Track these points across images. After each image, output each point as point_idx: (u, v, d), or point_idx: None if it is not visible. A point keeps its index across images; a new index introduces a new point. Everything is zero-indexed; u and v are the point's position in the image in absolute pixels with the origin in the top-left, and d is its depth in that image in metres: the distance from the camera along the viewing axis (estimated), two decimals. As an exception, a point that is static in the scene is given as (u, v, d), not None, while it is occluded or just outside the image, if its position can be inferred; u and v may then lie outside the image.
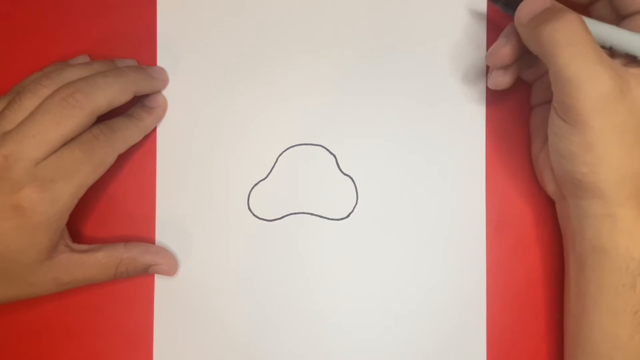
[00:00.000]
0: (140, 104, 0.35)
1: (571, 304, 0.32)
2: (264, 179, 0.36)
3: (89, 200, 0.35)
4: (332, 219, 0.36)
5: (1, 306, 0.34)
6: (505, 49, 0.31)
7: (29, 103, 0.30)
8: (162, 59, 0.36)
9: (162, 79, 0.36)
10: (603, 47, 0.28)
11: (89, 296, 0.36)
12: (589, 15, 0.30)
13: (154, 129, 0.36)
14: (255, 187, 0.36)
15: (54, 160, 0.29)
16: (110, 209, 0.36)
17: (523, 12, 0.29)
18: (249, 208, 0.36)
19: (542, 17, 0.28)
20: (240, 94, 0.36)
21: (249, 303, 0.36)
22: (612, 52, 0.29)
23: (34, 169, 0.28)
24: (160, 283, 0.36)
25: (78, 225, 0.36)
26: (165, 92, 0.36)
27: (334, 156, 0.36)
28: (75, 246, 0.33)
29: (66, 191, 0.29)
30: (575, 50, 0.26)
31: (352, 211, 0.36)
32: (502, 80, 0.32)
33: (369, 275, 0.36)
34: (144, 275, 0.35)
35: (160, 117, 0.36)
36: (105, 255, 0.33)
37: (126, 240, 0.35)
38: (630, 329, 0.29)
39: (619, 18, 0.30)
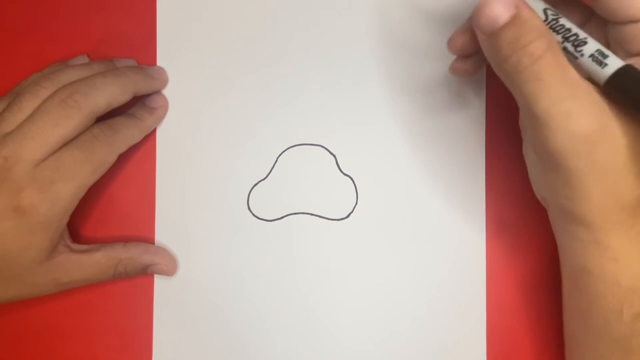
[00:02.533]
0: (141, 104, 0.35)
1: (566, 316, 0.32)
2: (264, 179, 0.36)
3: (89, 201, 0.35)
4: (332, 219, 0.36)
5: (1, 306, 0.34)
6: (461, 40, 0.28)
7: (28, 104, 0.30)
8: (162, 59, 0.36)
9: (162, 79, 0.36)
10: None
11: (89, 296, 0.36)
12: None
13: (154, 129, 0.36)
14: (255, 187, 0.36)
15: (53, 161, 0.29)
16: (109, 209, 0.36)
17: (481, 21, 0.24)
18: (249, 208, 0.36)
19: (503, 34, 0.24)
20: (240, 94, 0.36)
21: (248, 303, 0.36)
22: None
23: (34, 170, 0.28)
24: (159, 283, 0.36)
25: (78, 225, 0.36)
26: (165, 92, 0.36)
27: (334, 156, 0.36)
28: (75, 246, 0.33)
29: (66, 192, 0.29)
30: (543, 85, 0.23)
31: (352, 211, 0.36)
32: (461, 67, 0.30)
33: (369, 275, 0.36)
34: (143, 275, 0.35)
35: (161, 118, 0.36)
36: (104, 256, 0.33)
37: (126, 240, 0.35)
38: (619, 356, 0.28)
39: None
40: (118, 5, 0.36)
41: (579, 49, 0.24)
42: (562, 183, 0.25)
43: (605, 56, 0.23)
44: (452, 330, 0.35)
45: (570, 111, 0.23)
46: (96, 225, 0.36)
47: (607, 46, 0.25)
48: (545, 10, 0.25)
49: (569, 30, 0.24)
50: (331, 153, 0.36)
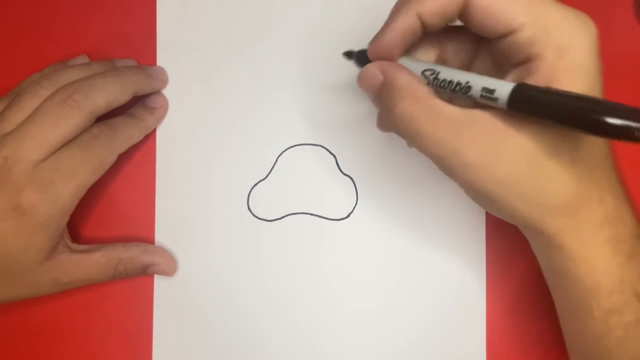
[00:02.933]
0: (142, 104, 0.35)
1: (560, 321, 0.31)
2: (264, 179, 0.36)
3: (89, 201, 0.35)
4: (332, 219, 0.36)
5: (1, 306, 0.34)
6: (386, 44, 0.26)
7: (28, 104, 0.30)
8: (162, 59, 0.36)
9: (162, 79, 0.36)
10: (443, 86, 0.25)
11: (89, 296, 0.36)
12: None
13: (154, 129, 0.36)
14: (255, 187, 0.36)
15: (53, 161, 0.29)
16: (109, 209, 0.36)
17: (363, 87, 0.27)
18: (249, 208, 0.36)
19: (379, 101, 0.26)
20: (240, 94, 0.36)
21: (248, 303, 0.36)
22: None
23: (34, 170, 0.28)
24: (159, 283, 0.36)
25: (78, 225, 0.36)
26: (165, 92, 0.36)
27: (334, 156, 0.36)
28: (75, 246, 0.33)
29: (66, 192, 0.29)
30: (424, 137, 0.24)
31: (352, 211, 0.36)
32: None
33: (369, 275, 0.36)
34: (143, 275, 0.35)
35: (161, 118, 0.36)
36: (104, 256, 0.33)
37: (126, 240, 0.35)
38: (601, 354, 0.27)
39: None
40: (118, 5, 0.36)
41: (468, 94, 0.24)
42: (489, 205, 0.26)
43: (491, 91, 0.23)
44: (452, 330, 0.35)
45: (455, 149, 0.24)
46: (96, 225, 0.36)
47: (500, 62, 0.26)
48: (423, 72, 0.25)
49: (450, 82, 0.24)
50: (331, 153, 0.36)
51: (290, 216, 0.36)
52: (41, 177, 0.29)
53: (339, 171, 0.36)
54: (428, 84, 0.25)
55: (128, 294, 0.36)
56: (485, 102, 0.23)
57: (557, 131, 0.23)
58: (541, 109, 0.21)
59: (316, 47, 0.36)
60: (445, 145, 0.24)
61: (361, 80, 0.27)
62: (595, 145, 0.25)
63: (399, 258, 0.35)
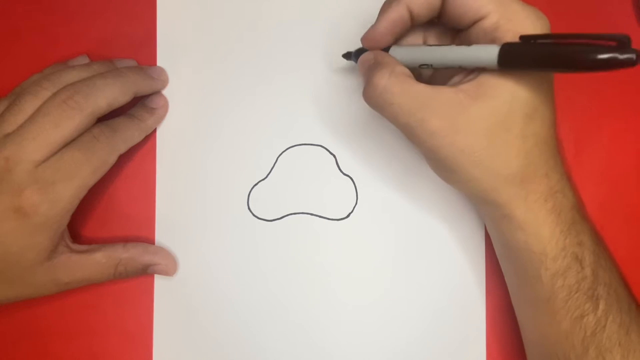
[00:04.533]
0: (142, 104, 0.35)
1: (510, 295, 0.33)
2: (264, 179, 0.36)
3: (89, 201, 0.35)
4: (332, 219, 0.36)
5: (1, 306, 0.34)
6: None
7: (29, 105, 0.30)
8: (162, 59, 0.36)
9: (162, 79, 0.36)
10: (424, 66, 0.29)
11: (89, 296, 0.36)
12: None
13: (154, 129, 0.36)
14: (255, 187, 0.36)
15: (54, 162, 0.29)
16: (110, 210, 0.36)
17: (361, 70, 0.30)
18: (249, 208, 0.36)
19: (368, 74, 0.29)
20: (240, 94, 0.36)
21: (248, 303, 0.36)
22: (435, 70, 0.30)
23: (35, 171, 0.28)
24: (160, 283, 0.36)
25: (78, 225, 0.36)
26: (165, 92, 0.36)
27: (334, 156, 0.36)
28: (75, 246, 0.33)
29: (67, 193, 0.29)
30: (395, 107, 0.27)
31: (352, 211, 0.36)
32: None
33: (369, 275, 0.36)
34: (143, 275, 0.35)
35: (161, 118, 0.36)
36: (104, 256, 0.33)
37: (126, 240, 0.35)
38: (548, 317, 0.30)
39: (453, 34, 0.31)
40: (118, 5, 0.36)
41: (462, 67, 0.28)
42: (450, 175, 0.29)
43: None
44: (451, 330, 0.35)
45: (422, 117, 0.27)
46: (96, 226, 0.36)
47: None
48: (420, 66, 0.29)
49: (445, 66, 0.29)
50: (331, 153, 0.36)
51: (290, 216, 0.36)
52: (42, 178, 0.29)
53: (339, 171, 0.36)
54: (424, 68, 0.29)
55: (128, 294, 0.36)
56: (479, 69, 0.27)
57: (509, 106, 0.27)
58: (531, 61, 0.25)
59: (316, 47, 0.36)
60: (413, 114, 0.27)
61: (360, 64, 0.31)
62: (544, 123, 0.28)
63: (399, 258, 0.36)
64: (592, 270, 0.29)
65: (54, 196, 0.29)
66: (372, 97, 0.28)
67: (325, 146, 0.36)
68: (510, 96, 0.27)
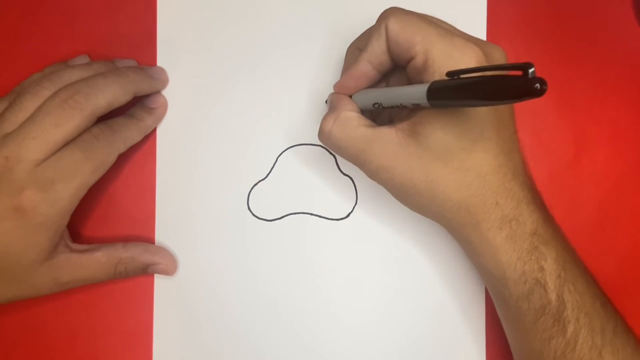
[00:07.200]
0: (141, 104, 0.35)
1: None
2: (263, 179, 0.36)
3: (89, 201, 0.35)
4: (331, 219, 0.36)
5: (1, 306, 0.34)
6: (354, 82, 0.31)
7: (29, 105, 0.30)
8: (162, 59, 0.36)
9: (162, 79, 0.36)
10: (376, 105, 0.29)
11: (89, 296, 0.36)
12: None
13: (154, 129, 0.36)
14: (255, 187, 0.36)
15: (54, 162, 0.29)
16: (110, 209, 0.36)
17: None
18: (249, 208, 0.36)
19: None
20: (240, 94, 0.36)
21: (248, 303, 0.36)
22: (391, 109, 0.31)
23: (35, 171, 0.28)
24: (160, 283, 0.36)
25: (78, 225, 0.36)
26: (165, 92, 0.36)
27: (334, 156, 0.36)
28: (75, 246, 0.33)
29: (67, 192, 0.29)
30: (343, 150, 0.30)
31: (352, 211, 0.36)
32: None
33: (368, 274, 0.36)
34: (143, 275, 0.35)
35: (160, 118, 0.36)
36: (104, 255, 0.33)
37: (126, 240, 0.35)
38: (521, 335, 0.30)
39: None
40: (118, 5, 0.36)
41: (406, 106, 0.28)
42: (403, 202, 0.30)
43: (417, 101, 0.27)
44: (451, 330, 0.35)
45: (365, 159, 0.29)
46: (96, 225, 0.36)
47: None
48: (373, 105, 0.30)
49: (392, 107, 0.29)
50: (331, 153, 0.36)
51: (290, 216, 0.36)
52: (42, 177, 0.29)
53: (338, 171, 0.36)
54: (376, 107, 0.30)
55: (128, 294, 0.36)
56: (417, 107, 0.27)
57: (444, 142, 0.27)
58: (454, 95, 0.24)
59: (316, 47, 0.36)
60: (357, 156, 0.29)
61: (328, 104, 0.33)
62: (487, 155, 0.28)
63: (399, 258, 0.36)
64: (557, 295, 0.28)
65: (54, 195, 0.29)
66: (321, 140, 0.30)
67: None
68: (442, 132, 0.27)
